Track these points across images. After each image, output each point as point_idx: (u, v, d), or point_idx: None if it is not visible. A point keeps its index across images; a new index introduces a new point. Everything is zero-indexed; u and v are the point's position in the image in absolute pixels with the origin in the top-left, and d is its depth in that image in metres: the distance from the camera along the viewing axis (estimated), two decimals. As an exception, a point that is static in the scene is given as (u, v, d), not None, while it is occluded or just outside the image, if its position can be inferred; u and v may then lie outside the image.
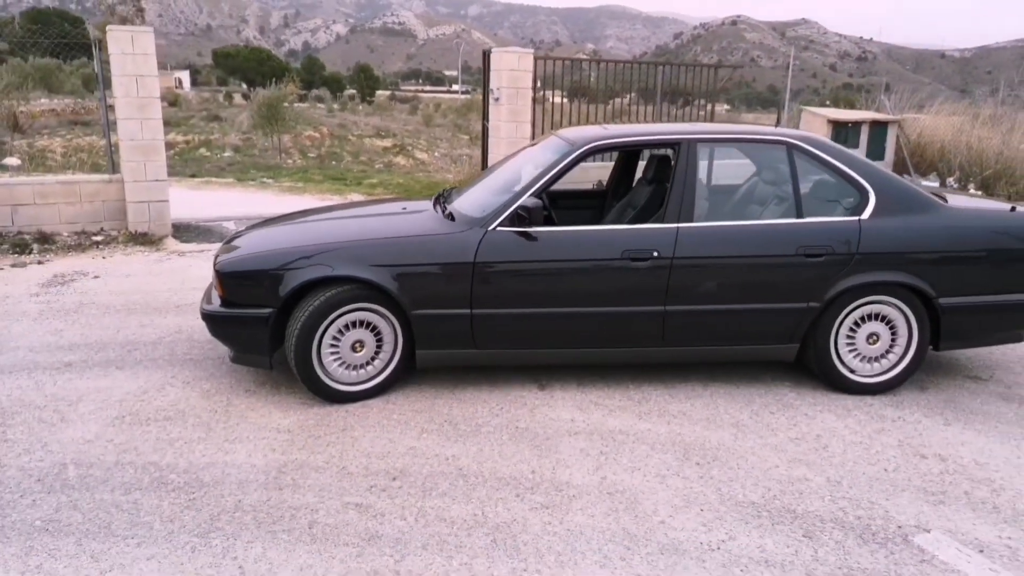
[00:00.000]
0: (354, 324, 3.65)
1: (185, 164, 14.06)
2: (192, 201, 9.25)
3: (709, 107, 10.21)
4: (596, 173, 6.03)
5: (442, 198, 4.29)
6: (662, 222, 3.74)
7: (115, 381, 3.96)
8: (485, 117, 9.57)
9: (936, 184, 10.81)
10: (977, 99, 12.71)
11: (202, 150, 17.79)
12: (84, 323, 4.91)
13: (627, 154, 4.87)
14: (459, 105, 40.86)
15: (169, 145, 18.35)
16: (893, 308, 3.83)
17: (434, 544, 2.60)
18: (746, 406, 3.76)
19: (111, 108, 7.36)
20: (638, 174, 4.73)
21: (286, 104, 15.09)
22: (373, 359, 3.74)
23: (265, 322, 3.58)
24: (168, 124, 27.84)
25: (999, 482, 3.08)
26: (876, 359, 3.90)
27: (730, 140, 4.12)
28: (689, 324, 3.77)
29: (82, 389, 3.86)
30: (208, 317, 3.70)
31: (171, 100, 45.97)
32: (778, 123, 11.78)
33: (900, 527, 2.74)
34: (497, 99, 9.02)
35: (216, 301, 3.72)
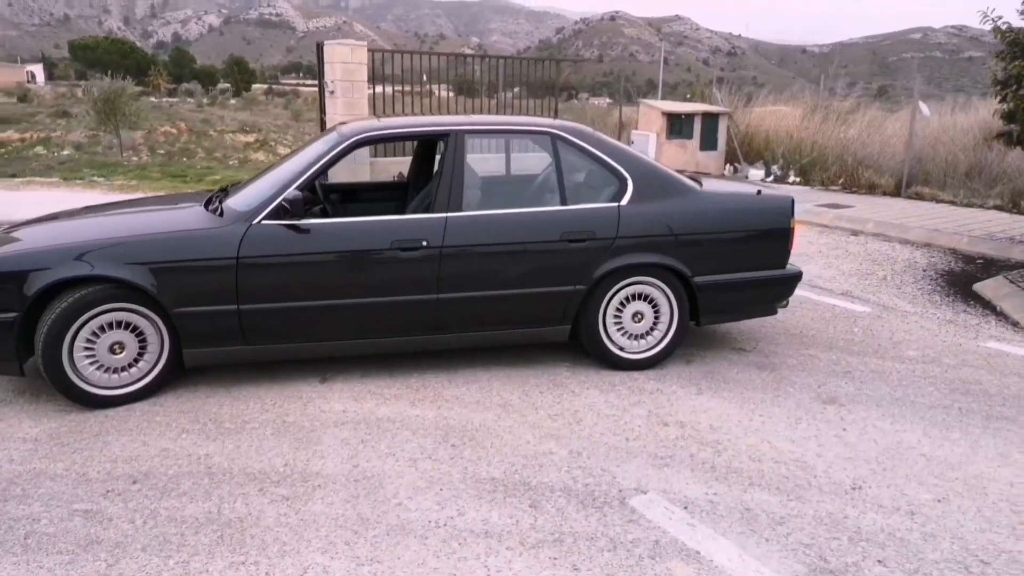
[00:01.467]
0: (112, 325, 3.53)
1: (9, 163, 13.13)
2: (3, 202, 8.67)
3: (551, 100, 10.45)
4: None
5: (220, 194, 4.21)
6: (431, 212, 3.81)
7: None
8: (322, 111, 9.44)
9: (761, 172, 11.50)
10: (821, 92, 13.53)
11: (38, 148, 16.68)
12: None
13: (425, 145, 4.92)
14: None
15: (1, 143, 17.13)
16: (654, 288, 4.06)
17: (155, 545, 2.57)
18: (518, 387, 3.90)
19: None
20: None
21: (129, 97, 14.28)
22: (137, 361, 3.63)
23: (10, 326, 3.41)
24: (8, 122, 25.95)
25: (724, 444, 3.33)
26: (642, 336, 4.13)
27: (497, 131, 4.25)
28: (463, 311, 3.87)
29: None
30: (-47, 323, 3.49)
31: (20, 95, 42.81)
32: (620, 115, 12.20)
33: (621, 491, 2.92)
34: (332, 92, 8.91)
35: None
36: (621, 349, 4.11)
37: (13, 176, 11.37)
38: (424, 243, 3.72)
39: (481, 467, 3.10)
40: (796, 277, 4.32)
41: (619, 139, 11.75)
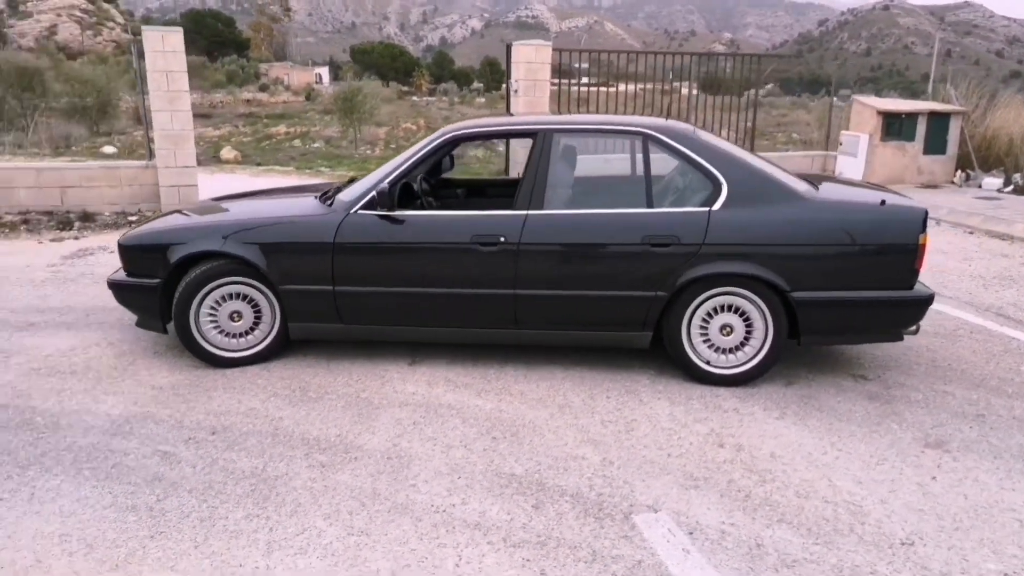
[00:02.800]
0: (232, 296, 4.04)
1: (262, 153, 15.11)
2: (235, 187, 10.03)
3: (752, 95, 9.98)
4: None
5: (341, 185, 4.61)
6: (513, 209, 3.90)
7: (57, 339, 4.56)
8: (508, 110, 9.79)
9: (999, 181, 10.05)
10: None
11: (296, 141, 18.96)
12: (72, 291, 5.60)
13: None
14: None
15: (269, 136, 19.73)
16: (746, 300, 3.81)
17: (200, 488, 2.94)
18: (588, 390, 3.87)
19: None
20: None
21: (365, 96, 15.81)
22: (253, 329, 4.12)
23: (155, 291, 4.03)
24: (284, 117, 29.70)
25: (775, 473, 3.07)
26: (732, 351, 3.90)
27: (587, 131, 4.21)
28: (540, 308, 3.91)
29: (26, 344, 4.48)
30: (112, 285, 4.21)
31: (307, 95, 48.79)
32: (830, 113, 11.28)
33: (632, 505, 2.83)
34: (516, 91, 9.23)
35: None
36: (707, 363, 3.91)
37: (258, 164, 13.10)
38: (502, 239, 3.82)
39: (507, 462, 3.15)
40: (924, 301, 3.82)
41: (827, 140, 10.90)
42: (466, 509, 2.81)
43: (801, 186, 3.98)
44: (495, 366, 4.16)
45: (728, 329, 3.86)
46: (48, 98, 16.20)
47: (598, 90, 10.24)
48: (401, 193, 4.17)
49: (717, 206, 3.78)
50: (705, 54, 10.69)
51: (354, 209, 3.95)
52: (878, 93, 16.89)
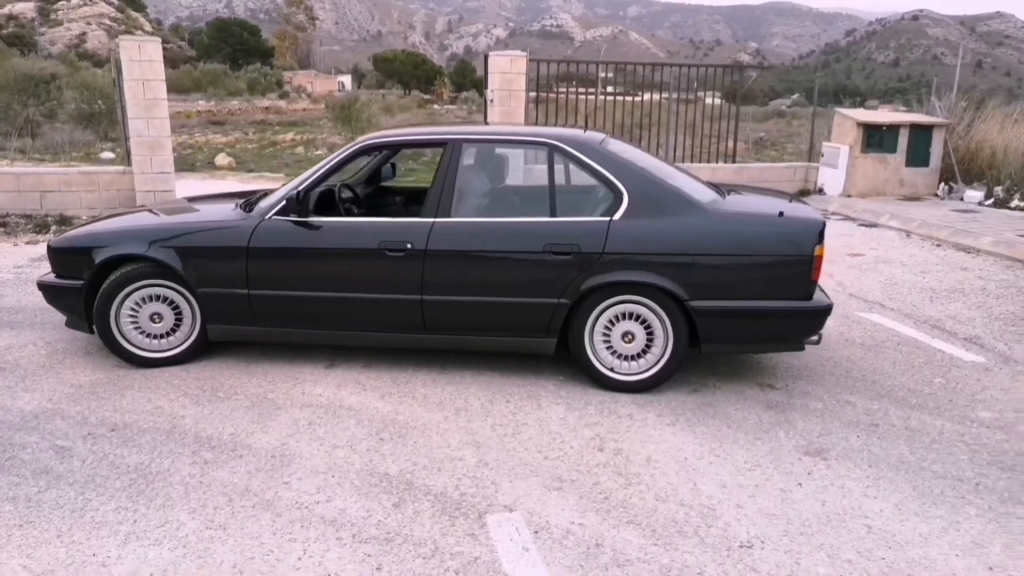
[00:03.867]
0: (152, 298, 4.18)
1: (262, 160, 15.36)
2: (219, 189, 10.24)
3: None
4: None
5: (264, 193, 4.72)
6: (421, 216, 4.00)
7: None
8: (485, 119, 9.92)
9: (980, 194, 9.98)
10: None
11: (299, 148, 19.23)
12: (28, 292, 5.76)
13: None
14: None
15: (274, 143, 20.02)
16: (646, 308, 3.88)
17: (82, 482, 3.06)
18: (491, 394, 3.95)
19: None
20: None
21: (363, 105, 16.04)
22: (174, 331, 4.25)
23: (80, 292, 4.18)
24: (297, 125, 30.09)
25: (643, 477, 3.13)
26: (634, 358, 3.96)
27: (494, 141, 4.30)
28: (446, 313, 4.00)
29: (-33, 343, 4.65)
30: (41, 286, 4.37)
31: (327, 103, 49.39)
32: (813, 126, 11.28)
33: (490, 505, 2.91)
34: (491, 101, 9.35)
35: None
36: (611, 369, 3.98)
37: (250, 171, 13.33)
38: (409, 246, 3.92)
39: (385, 462, 3.24)
40: (821, 311, 3.86)
41: (810, 152, 10.89)
42: (328, 506, 2.90)
43: (706, 197, 4.05)
44: (408, 370, 4.26)
45: (630, 336, 3.93)
46: (57, 104, 16.59)
47: (591, 99, 10.35)
48: (325, 201, 4.29)
49: (618, 216, 3.85)
50: (687, 65, 10.75)
51: (268, 215, 4.08)
52: (906, 104, 16.76)
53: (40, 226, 7.90)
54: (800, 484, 3.12)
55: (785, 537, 2.74)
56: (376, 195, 5.12)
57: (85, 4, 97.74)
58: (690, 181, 4.34)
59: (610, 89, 11.47)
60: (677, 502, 2.96)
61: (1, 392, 3.92)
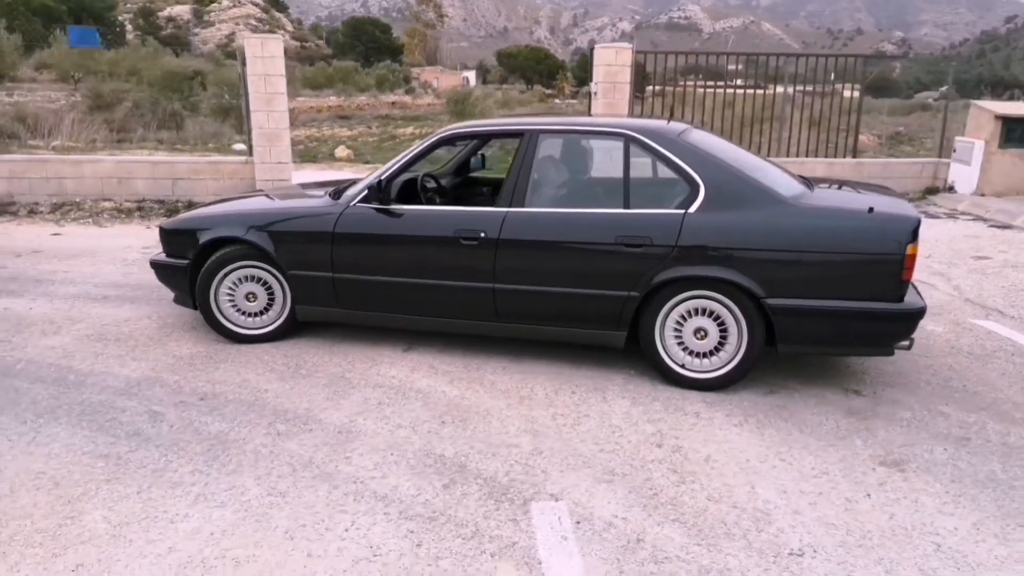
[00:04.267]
0: (248, 279, 4.45)
1: (381, 152, 15.94)
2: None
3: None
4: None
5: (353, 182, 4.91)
6: (495, 206, 4.05)
7: (119, 311, 5.17)
8: (590, 112, 9.86)
9: None
10: None
11: (417, 141, 19.80)
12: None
13: None
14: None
15: (394, 137, 20.72)
16: (720, 305, 3.77)
17: (166, 445, 3.32)
18: (557, 384, 3.96)
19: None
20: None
21: (476, 99, 16.33)
22: (267, 310, 4.51)
23: (186, 271, 4.51)
24: (418, 119, 31.02)
25: (699, 476, 3.06)
26: (706, 355, 3.86)
27: (571, 131, 4.26)
28: (517, 302, 4.04)
29: (92, 314, 5.12)
30: (153, 264, 4.74)
31: (447, 98, 50.61)
32: (945, 119, 10.50)
33: (537, 493, 2.93)
34: (595, 93, 9.29)
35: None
36: (682, 366, 3.89)
37: (367, 162, 13.85)
38: (483, 234, 3.98)
39: (443, 444, 3.32)
40: (912, 314, 3.62)
41: (941, 147, 10.18)
42: (382, 483, 3.00)
43: (791, 191, 3.88)
44: (480, 357, 4.33)
45: (702, 333, 3.83)
46: (199, 99, 17.83)
47: (703, 92, 10.12)
48: (409, 190, 4.43)
49: (693, 208, 3.76)
50: (804, 55, 10.28)
51: (353, 202, 4.25)
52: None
53: (171, 211, 8.53)
54: (869, 495, 2.95)
55: (841, 548, 2.61)
56: (465, 185, 5.22)
57: (234, 6, 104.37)
58: (778, 174, 4.17)
59: (733, 82, 11.13)
60: (730, 504, 2.87)
61: (112, 360, 4.29)
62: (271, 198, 4.89)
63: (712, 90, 10.26)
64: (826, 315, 3.65)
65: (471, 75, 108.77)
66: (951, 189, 9.92)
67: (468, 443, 3.33)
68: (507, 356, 4.33)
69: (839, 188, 4.46)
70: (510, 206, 4.01)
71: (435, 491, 2.94)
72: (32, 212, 8.47)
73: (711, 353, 3.86)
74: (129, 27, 73.98)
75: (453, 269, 4.08)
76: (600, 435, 3.41)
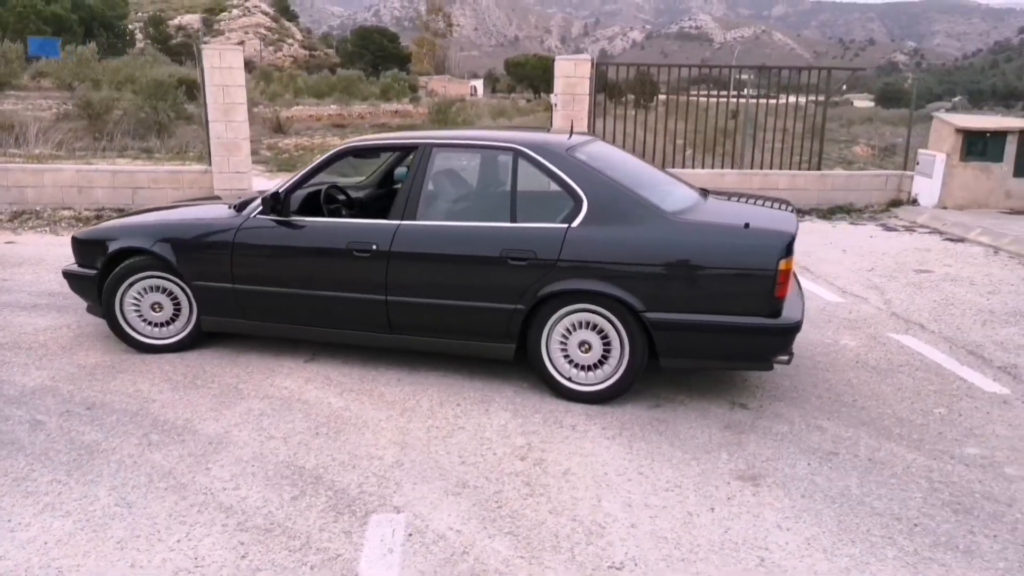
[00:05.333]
0: (153, 289, 4.50)
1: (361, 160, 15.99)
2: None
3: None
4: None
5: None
6: (388, 218, 4.09)
7: (42, 319, 5.23)
8: (551, 125, 9.90)
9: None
10: None
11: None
12: (91, 280, 6.33)
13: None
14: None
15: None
16: (603, 318, 3.79)
17: (37, 454, 3.35)
18: (446, 398, 3.98)
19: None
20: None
21: (459, 108, 16.43)
22: (173, 320, 4.56)
23: (94, 280, 4.56)
24: (416, 127, 31.17)
25: (548, 490, 3.07)
26: (591, 368, 3.88)
27: (463, 146, 4.30)
28: (410, 315, 4.07)
29: (15, 322, 5.18)
30: (64, 274, 4.80)
31: (430, 107, 50.87)
32: (909, 132, 10.48)
33: (382, 504, 2.95)
34: (555, 105, 9.34)
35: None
36: (568, 379, 3.91)
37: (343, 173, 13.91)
38: (374, 247, 4.02)
39: (307, 456, 3.34)
40: (786, 330, 3.63)
41: (906, 159, 10.15)
42: (232, 494, 3.03)
43: (675, 205, 3.90)
44: (379, 369, 4.36)
45: (586, 346, 3.85)
46: (183, 108, 17.98)
47: (681, 102, 10.15)
48: (313, 202, 4.47)
49: (576, 223, 3.79)
50: (768, 68, 10.29)
51: (253, 214, 4.29)
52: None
53: (128, 220, 8.59)
54: (712, 509, 2.96)
55: (663, 562, 2.62)
56: (384, 197, 5.25)
57: (244, 15, 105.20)
58: (673, 188, 4.20)
59: (732, 92, 11.13)
60: (570, 517, 2.88)
61: (16, 368, 4.34)
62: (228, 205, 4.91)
63: (678, 100, 10.27)
64: (703, 329, 3.67)
65: (479, 84, 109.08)
66: (915, 202, 9.90)
67: (332, 455, 3.35)
68: (404, 368, 4.36)
69: (737, 201, 4.47)
70: (402, 219, 4.04)
71: (281, 502, 2.97)
72: (-8, 221, 8.57)
73: (596, 366, 3.87)
74: (139, 36, 74.64)
75: (347, 281, 4.11)
76: (468, 448, 3.43)
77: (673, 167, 9.95)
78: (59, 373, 4.28)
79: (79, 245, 4.70)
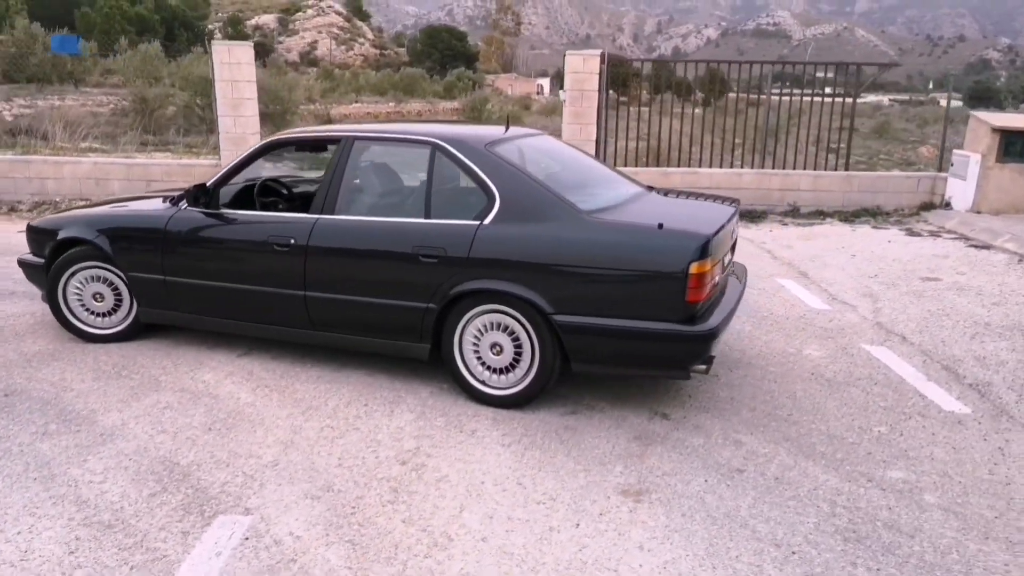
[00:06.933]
0: (95, 279, 4.55)
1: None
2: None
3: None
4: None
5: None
6: (309, 212, 4.02)
7: (11, 307, 5.34)
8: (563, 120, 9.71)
9: None
10: None
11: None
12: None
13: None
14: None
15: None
16: (513, 320, 3.63)
17: (-66, 437, 3.41)
18: (358, 397, 3.88)
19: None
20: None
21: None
22: (115, 310, 4.60)
23: (44, 269, 4.64)
24: (492, 122, 31.29)
25: (410, 497, 2.94)
26: (503, 371, 3.72)
27: (384, 139, 4.17)
28: (327, 311, 3.99)
29: (-16, 310, 5.32)
30: (19, 263, 4.90)
31: (524, 104, 50.92)
32: (945, 131, 9.87)
33: (236, 506, 2.87)
34: (564, 101, 9.16)
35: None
36: (482, 382, 3.77)
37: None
38: (292, 241, 3.95)
39: (188, 452, 3.29)
40: (699, 337, 3.39)
41: (941, 160, 9.58)
42: (95, 488, 3.00)
43: (595, 203, 3.70)
44: (305, 365, 4.29)
45: (498, 348, 3.70)
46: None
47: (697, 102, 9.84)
48: (246, 195, 4.45)
49: (488, 220, 3.64)
50: (793, 63, 9.85)
51: (183, 205, 4.28)
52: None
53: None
54: (578, 525, 2.78)
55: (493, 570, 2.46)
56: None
57: (318, 15, 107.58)
58: (613, 187, 4.02)
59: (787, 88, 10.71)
60: (421, 527, 2.75)
61: (-37, 354, 4.44)
62: (142, 199, 4.97)
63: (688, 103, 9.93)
64: (613, 334, 3.47)
65: (546, 82, 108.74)
66: (947, 205, 9.32)
67: (213, 452, 3.30)
68: (330, 365, 4.28)
69: (682, 198, 4.24)
70: (321, 213, 3.97)
71: (138, 498, 2.92)
72: (12, 210, 8.91)
73: (507, 370, 3.71)
74: (219, 35, 77.20)
75: (268, 275, 4.06)
76: (352, 450, 3.33)
77: (688, 165, 9.64)
78: (-1, 360, 4.36)
79: (32, 234, 4.79)
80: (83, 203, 5.69)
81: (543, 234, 3.54)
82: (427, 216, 3.79)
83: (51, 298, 4.57)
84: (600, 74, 8.98)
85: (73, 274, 4.53)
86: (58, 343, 4.63)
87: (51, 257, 4.58)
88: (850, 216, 9.31)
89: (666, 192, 4.61)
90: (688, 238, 3.37)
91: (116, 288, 4.55)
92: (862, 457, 3.34)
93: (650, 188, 4.38)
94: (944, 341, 4.91)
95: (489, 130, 4.14)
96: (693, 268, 3.31)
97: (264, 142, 4.30)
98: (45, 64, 24.96)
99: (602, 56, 9.03)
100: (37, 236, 4.74)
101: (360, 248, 3.87)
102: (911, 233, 8.52)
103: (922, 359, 4.58)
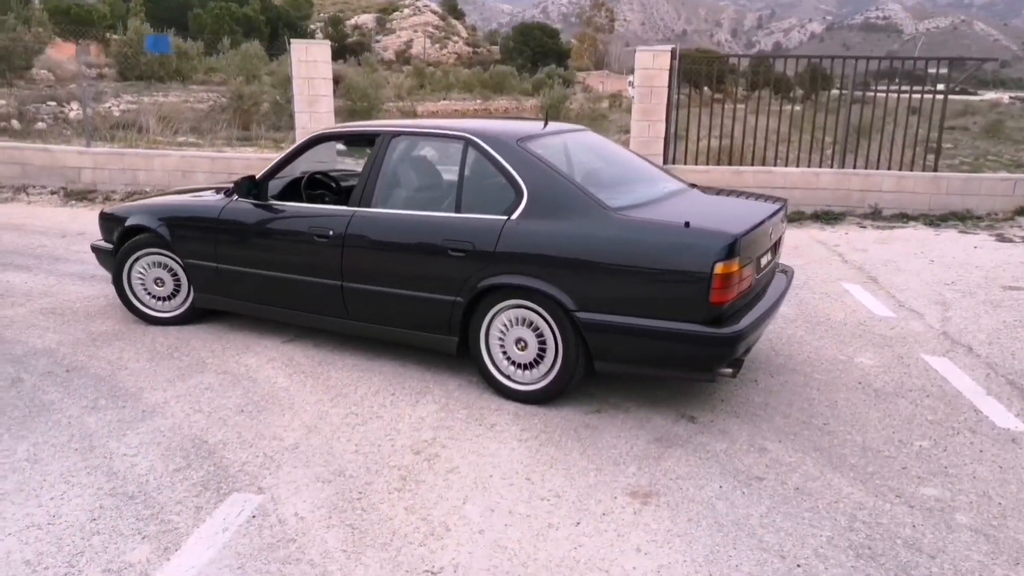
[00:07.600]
0: (156, 265, 4.81)
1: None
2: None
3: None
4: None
5: None
6: (347, 205, 4.13)
7: (90, 289, 5.70)
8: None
9: None
10: None
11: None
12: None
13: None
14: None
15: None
16: (538, 316, 3.63)
17: (4, 408, 3.68)
18: (387, 386, 3.96)
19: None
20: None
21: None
22: (174, 295, 4.85)
23: (112, 254, 4.94)
24: (571, 119, 31.26)
25: (420, 487, 2.98)
26: (528, 367, 3.73)
27: (419, 134, 4.20)
28: (362, 301, 4.09)
29: (66, 290, 5.68)
30: (92, 248, 5.22)
31: (612, 101, 50.59)
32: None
33: (249, 485, 2.98)
34: (633, 97, 9.04)
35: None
36: (507, 377, 3.78)
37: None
38: (331, 233, 4.07)
39: (218, 431, 3.44)
40: (724, 340, 3.29)
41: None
42: (127, 460, 3.18)
43: (625, 200, 3.65)
44: (343, 354, 4.41)
45: (522, 344, 3.70)
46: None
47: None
48: (295, 187, 4.61)
49: (515, 215, 3.64)
50: (855, 58, 9.39)
51: (235, 197, 4.47)
52: None
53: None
54: (578, 523, 2.75)
55: (486, 572, 2.48)
56: None
57: (414, 14, 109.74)
58: (651, 184, 3.97)
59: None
60: (421, 517, 2.79)
61: (36, 331, 4.78)
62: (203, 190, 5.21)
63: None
64: (636, 333, 3.41)
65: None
66: (1047, 209, 8.69)
67: (240, 432, 3.43)
68: (366, 355, 4.38)
69: (721, 196, 4.13)
70: (359, 206, 4.06)
71: (163, 473, 3.08)
72: (107, 199, 9.49)
73: (532, 365, 3.71)
74: (319, 35, 79.79)
75: (309, 265, 4.19)
76: (371, 437, 3.40)
77: (763, 164, 9.35)
78: (67, 338, 4.66)
79: (104, 221, 5.09)
80: (153, 193, 6.01)
81: (568, 230, 3.52)
82: (457, 210, 3.82)
83: (117, 282, 4.85)
84: (671, 70, 8.80)
85: (137, 260, 4.80)
86: (123, 324, 4.91)
87: (118, 243, 4.86)
88: (936, 220, 8.80)
89: (716, 191, 4.50)
90: (715, 237, 3.28)
91: (175, 274, 4.79)
92: (895, 472, 3.17)
93: (692, 186, 4.28)
94: (1015, 354, 4.59)
95: (525, 125, 4.14)
96: (718, 268, 3.21)
97: (308, 137, 4.43)
98: (153, 63, 26.38)
99: (672, 52, 8.85)
100: (107, 223, 5.04)
101: (392, 240, 3.94)
102: (1001, 239, 7.99)
103: (985, 372, 4.30)
